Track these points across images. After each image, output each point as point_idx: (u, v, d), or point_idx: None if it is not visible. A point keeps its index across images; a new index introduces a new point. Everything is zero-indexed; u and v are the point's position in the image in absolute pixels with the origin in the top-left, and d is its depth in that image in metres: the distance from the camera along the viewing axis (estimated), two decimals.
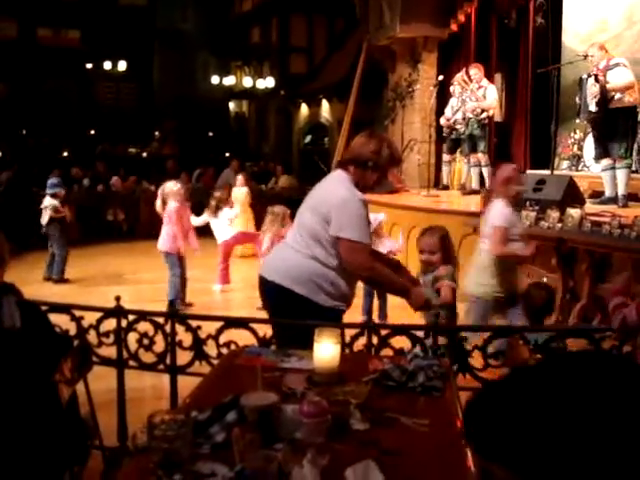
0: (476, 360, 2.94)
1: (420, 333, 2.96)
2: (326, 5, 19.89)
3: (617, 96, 7.42)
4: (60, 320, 3.15)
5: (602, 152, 7.69)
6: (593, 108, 7.52)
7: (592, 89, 7.52)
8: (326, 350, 2.38)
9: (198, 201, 13.56)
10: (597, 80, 7.49)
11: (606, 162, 7.65)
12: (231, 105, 25.58)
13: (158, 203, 7.24)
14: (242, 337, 3.12)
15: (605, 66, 7.58)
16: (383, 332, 2.99)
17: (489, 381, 2.02)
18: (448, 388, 2.33)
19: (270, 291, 3.22)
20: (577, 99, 7.95)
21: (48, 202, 8.85)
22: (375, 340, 2.94)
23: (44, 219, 8.81)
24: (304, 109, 21.42)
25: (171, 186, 7.25)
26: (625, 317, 2.76)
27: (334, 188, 3.23)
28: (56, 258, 8.76)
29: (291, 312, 3.09)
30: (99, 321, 3.33)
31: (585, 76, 7.78)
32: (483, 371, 2.90)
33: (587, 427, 0.76)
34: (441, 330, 2.91)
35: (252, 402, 1.95)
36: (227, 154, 19.46)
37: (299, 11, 21.01)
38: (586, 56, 8.51)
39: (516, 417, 0.78)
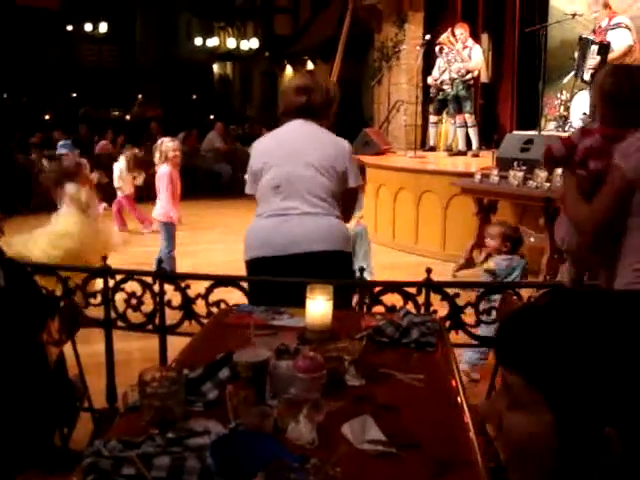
0: (469, 317, 2.93)
1: (412, 290, 2.94)
2: None
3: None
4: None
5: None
6: (587, 78, 7.45)
7: (591, 60, 7.44)
8: (318, 306, 2.34)
9: (182, 164, 13.54)
10: (599, 53, 7.40)
11: None
12: (215, 67, 25.24)
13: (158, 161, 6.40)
14: (232, 297, 3.08)
15: (607, 25, 7.49)
16: (375, 289, 2.96)
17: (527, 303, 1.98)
18: (442, 344, 2.31)
19: (320, 262, 2.97)
20: (577, 58, 7.86)
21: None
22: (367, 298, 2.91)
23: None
24: (289, 70, 21.16)
25: (167, 143, 6.42)
26: (551, 148, 2.91)
27: (332, 141, 3.13)
28: None
29: (344, 274, 3.09)
30: (85, 281, 3.27)
31: (586, 36, 7.68)
32: (476, 327, 2.89)
33: (605, 356, 0.80)
34: (433, 286, 2.89)
35: (245, 358, 1.92)
36: (211, 117, 19.23)
37: None
38: (574, 15, 8.43)
39: (545, 336, 0.83)
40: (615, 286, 2.40)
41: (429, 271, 2.85)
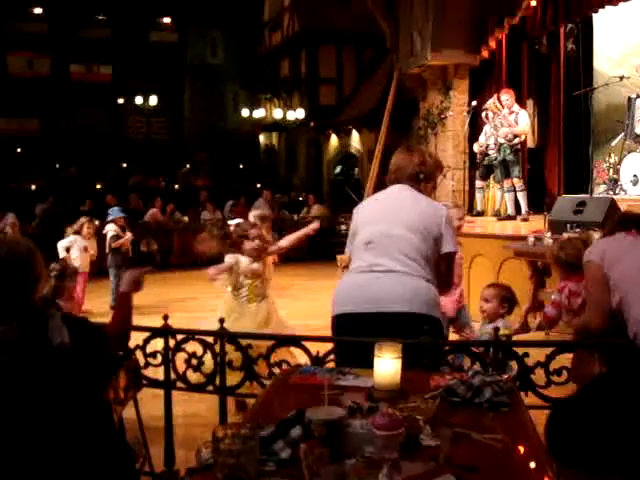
0: (538, 377, 2.84)
1: (480, 349, 2.87)
2: (354, 36, 20.01)
3: None
4: None
5: None
6: (638, 131, 7.42)
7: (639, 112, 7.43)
8: (387, 365, 2.30)
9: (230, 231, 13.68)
10: None
11: None
12: (261, 137, 25.76)
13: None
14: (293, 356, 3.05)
15: None
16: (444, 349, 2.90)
17: (567, 397, 1.96)
18: (516, 403, 2.24)
19: (404, 323, 2.91)
20: (626, 119, 7.85)
21: (107, 229, 9.04)
22: None
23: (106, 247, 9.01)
24: (334, 140, 21.49)
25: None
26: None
27: (429, 205, 3.18)
28: (112, 286, 8.81)
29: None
30: (146, 341, 3.27)
31: (634, 96, 7.67)
32: (546, 388, 2.79)
33: None
34: (501, 345, 2.82)
35: (319, 416, 1.87)
36: (258, 185, 19.52)
37: (328, 42, 21.18)
38: (622, 77, 8.45)
39: (592, 429, 0.83)
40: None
41: (497, 329, 2.79)
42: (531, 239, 6.65)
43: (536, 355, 2.92)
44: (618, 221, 3.21)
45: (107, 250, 9.10)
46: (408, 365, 2.36)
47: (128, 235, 9.19)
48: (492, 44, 10.83)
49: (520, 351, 2.82)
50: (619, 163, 9.36)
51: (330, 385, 2.43)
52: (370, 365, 2.35)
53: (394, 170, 3.28)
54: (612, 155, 9.71)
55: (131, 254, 9.46)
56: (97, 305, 8.53)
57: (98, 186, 17.77)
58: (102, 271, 9.57)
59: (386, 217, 3.12)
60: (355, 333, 2.93)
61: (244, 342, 3.14)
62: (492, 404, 2.21)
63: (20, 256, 2.30)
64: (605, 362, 2.61)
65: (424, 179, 3.19)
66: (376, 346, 2.33)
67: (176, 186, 19.53)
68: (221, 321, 3.18)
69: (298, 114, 21.68)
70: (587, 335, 2.90)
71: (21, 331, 2.17)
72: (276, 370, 2.99)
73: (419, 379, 2.49)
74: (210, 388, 3.20)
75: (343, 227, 13.83)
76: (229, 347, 3.15)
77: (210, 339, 3.17)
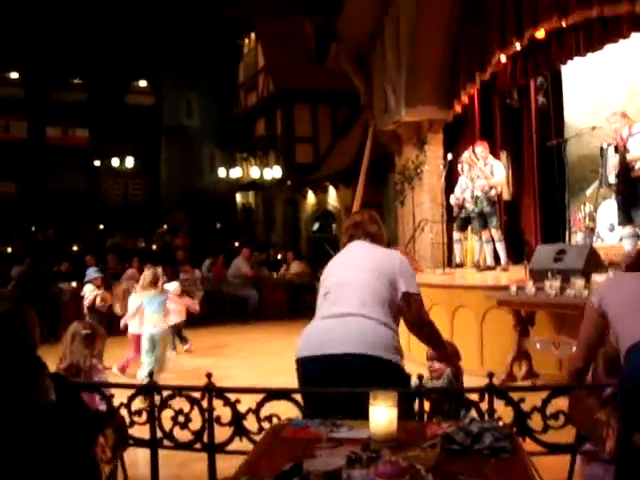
0: (535, 422, 2.78)
1: (474, 396, 2.82)
2: (329, 95, 20.35)
3: (638, 165, 7.42)
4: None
5: (625, 219, 7.63)
6: (612, 180, 7.53)
7: (612, 160, 7.55)
8: (383, 414, 2.24)
9: (208, 290, 13.60)
10: (616, 150, 7.52)
11: (629, 230, 7.58)
12: (238, 196, 25.85)
13: None
14: (282, 410, 2.97)
15: (628, 134, 7.60)
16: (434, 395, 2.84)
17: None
18: (517, 449, 2.18)
19: (353, 365, 2.94)
20: (599, 168, 7.98)
21: (85, 290, 8.98)
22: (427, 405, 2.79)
23: (84, 308, 8.95)
24: (311, 197, 21.62)
25: None
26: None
27: (384, 252, 3.33)
28: None
29: (381, 382, 2.86)
30: (131, 398, 3.17)
31: (605, 145, 7.82)
32: (543, 434, 2.73)
33: None
34: (497, 391, 2.77)
35: (317, 467, 1.81)
36: (236, 244, 19.49)
37: (303, 102, 21.51)
38: (594, 127, 8.61)
39: None
40: None
41: (491, 375, 2.74)
42: (513, 288, 6.66)
43: (531, 401, 2.87)
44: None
45: (85, 311, 8.97)
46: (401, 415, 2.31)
47: (100, 292, 9.04)
48: (464, 99, 11.05)
49: (516, 396, 2.77)
50: (595, 211, 9.48)
51: (325, 438, 2.37)
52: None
53: (349, 229, 3.46)
54: (587, 204, 9.85)
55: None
56: None
57: (75, 248, 17.62)
58: None
59: (343, 267, 3.28)
60: (312, 376, 3.01)
61: (232, 397, 3.06)
62: (493, 450, 2.16)
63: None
64: (601, 403, 2.57)
65: (377, 233, 3.38)
66: (370, 395, 2.28)
67: (154, 246, 19.42)
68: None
69: (275, 173, 21.84)
70: (574, 376, 2.87)
71: (7, 389, 2.12)
72: (266, 425, 2.90)
73: (415, 428, 2.44)
74: (198, 446, 3.10)
75: None
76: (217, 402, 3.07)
77: (197, 394, 3.08)
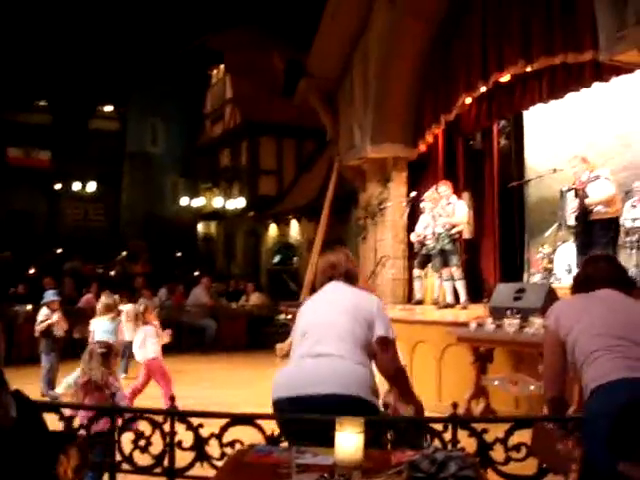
0: (497, 453, 2.81)
1: (438, 426, 2.84)
2: (295, 129, 20.51)
3: (596, 209, 7.61)
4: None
5: None
6: (572, 222, 7.71)
7: (571, 203, 7.74)
8: (349, 440, 2.25)
9: (165, 318, 13.44)
10: (576, 194, 7.71)
11: None
12: (199, 226, 25.75)
13: None
14: (246, 436, 2.95)
15: (587, 179, 7.80)
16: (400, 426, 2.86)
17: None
18: (481, 478, 2.20)
19: (333, 405, 2.90)
20: (559, 210, 8.16)
21: (40, 313, 8.77)
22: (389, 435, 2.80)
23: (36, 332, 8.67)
24: (273, 229, 21.65)
25: None
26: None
27: (361, 294, 3.37)
28: (42, 370, 8.45)
29: None
30: (91, 421, 3.12)
31: (565, 189, 8.01)
32: (505, 465, 2.76)
33: None
34: (460, 422, 2.79)
35: None
36: (195, 273, 19.36)
37: (269, 134, 21.64)
38: (555, 170, 8.83)
39: None
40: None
41: (455, 406, 2.77)
42: (473, 325, 6.73)
43: (494, 433, 2.90)
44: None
45: (37, 334, 8.73)
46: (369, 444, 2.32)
47: (54, 318, 8.77)
48: (429, 138, 11.24)
49: (479, 427, 2.80)
50: (553, 253, 9.66)
51: (289, 465, 2.36)
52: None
53: (327, 270, 3.47)
54: (546, 245, 10.03)
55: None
56: (29, 392, 8.14)
57: (32, 271, 17.33)
58: (34, 358, 9.24)
59: (320, 308, 3.31)
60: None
61: (195, 421, 3.03)
62: (458, 479, 2.17)
63: None
64: (563, 435, 2.60)
65: (353, 274, 3.43)
66: (337, 421, 2.28)
67: (112, 272, 19.19)
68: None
69: (238, 203, 21.84)
70: (550, 406, 2.91)
71: None
72: (228, 450, 2.88)
73: (380, 456, 2.44)
74: (158, 470, 3.05)
75: (282, 316, 13.77)
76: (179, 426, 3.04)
77: (159, 418, 3.04)
